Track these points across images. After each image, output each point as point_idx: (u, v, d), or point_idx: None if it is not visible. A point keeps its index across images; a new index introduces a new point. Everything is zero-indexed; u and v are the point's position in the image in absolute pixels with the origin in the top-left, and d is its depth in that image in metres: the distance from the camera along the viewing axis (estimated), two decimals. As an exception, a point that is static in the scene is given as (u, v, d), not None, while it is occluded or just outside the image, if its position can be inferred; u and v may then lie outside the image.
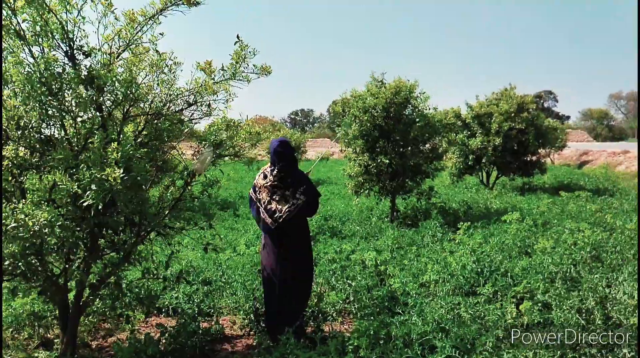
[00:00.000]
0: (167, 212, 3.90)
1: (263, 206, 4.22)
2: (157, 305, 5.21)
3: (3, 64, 3.19)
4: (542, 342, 3.06)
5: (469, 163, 14.17)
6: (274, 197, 4.17)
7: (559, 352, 3.17)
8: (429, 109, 9.09)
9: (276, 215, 4.11)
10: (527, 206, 9.94)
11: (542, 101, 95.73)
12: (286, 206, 4.09)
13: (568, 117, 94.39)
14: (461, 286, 4.78)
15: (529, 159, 14.39)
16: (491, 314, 3.65)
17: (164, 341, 3.90)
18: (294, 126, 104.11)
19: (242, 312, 4.76)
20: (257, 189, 4.35)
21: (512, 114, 13.53)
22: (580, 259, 5.80)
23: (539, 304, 4.25)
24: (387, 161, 8.93)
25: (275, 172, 4.23)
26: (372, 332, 3.12)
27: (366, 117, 8.87)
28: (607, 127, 68.29)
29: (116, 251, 3.78)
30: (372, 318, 3.65)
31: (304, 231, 4.31)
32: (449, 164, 14.74)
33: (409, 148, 9.19)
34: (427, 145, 9.49)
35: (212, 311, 4.94)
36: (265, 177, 4.32)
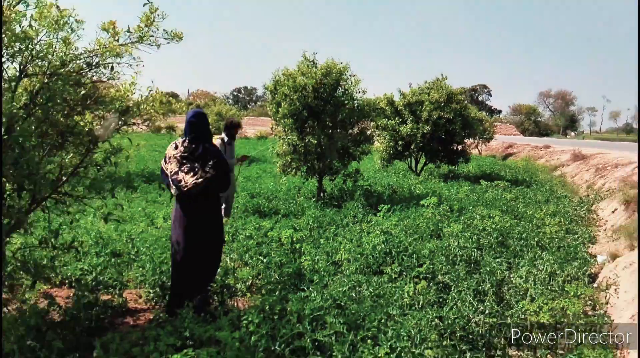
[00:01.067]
0: (65, 179, 3.71)
1: (170, 176, 4.11)
2: (59, 276, 5.00)
3: None
4: (430, 320, 3.17)
5: (399, 149, 14.47)
6: (182, 168, 4.07)
7: (449, 330, 3.31)
8: (359, 92, 9.16)
9: (181, 184, 4.02)
10: (447, 193, 10.29)
11: (476, 94, 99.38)
12: (193, 178, 3.99)
13: (500, 111, 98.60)
14: (370, 265, 4.89)
15: (455, 148, 14.89)
16: (389, 293, 3.75)
17: (53, 312, 3.72)
18: (237, 103, 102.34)
19: (147, 285, 4.64)
20: (167, 159, 4.23)
21: (442, 104, 13.91)
22: (487, 244, 6.08)
23: (440, 284, 4.43)
24: (315, 141, 8.94)
25: (186, 143, 4.13)
26: (267, 308, 3.12)
27: (296, 97, 8.81)
28: (534, 122, 71.93)
29: (9, 217, 3.55)
30: (275, 294, 3.66)
31: (214, 206, 4.24)
32: (380, 149, 15.03)
33: (338, 130, 9.23)
34: (356, 128, 9.57)
35: (117, 283, 4.78)
36: (176, 147, 4.21)
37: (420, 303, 3.64)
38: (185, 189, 4.02)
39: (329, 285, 4.11)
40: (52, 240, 3.50)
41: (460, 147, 15.12)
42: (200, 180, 4.00)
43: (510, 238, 6.42)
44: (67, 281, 5.00)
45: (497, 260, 5.25)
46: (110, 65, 3.38)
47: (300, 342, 2.82)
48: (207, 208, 4.17)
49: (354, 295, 3.94)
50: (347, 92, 9.11)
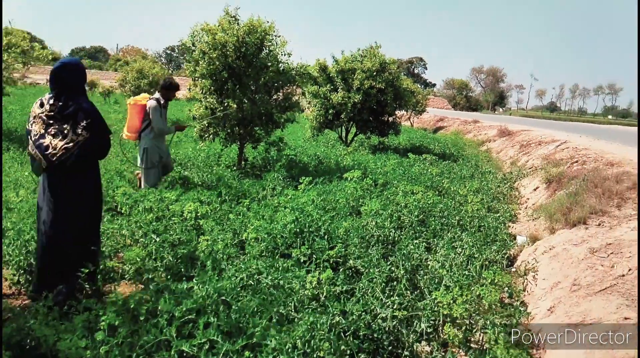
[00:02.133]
0: None
1: (33, 140, 3.39)
2: None
3: None
4: (329, 319, 2.73)
5: (329, 118, 14.00)
6: (49, 130, 3.35)
7: (352, 327, 2.89)
8: (285, 55, 8.50)
9: (48, 152, 3.32)
10: (373, 166, 9.97)
11: (412, 67, 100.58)
12: (62, 143, 3.29)
13: (434, 85, 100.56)
14: (278, 246, 4.40)
15: (386, 119, 14.61)
16: (289, 283, 3.28)
17: None
18: (170, 62, 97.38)
19: (11, 267, 3.92)
20: (31, 119, 3.49)
21: (374, 73, 13.50)
22: (407, 222, 5.76)
23: (351, 270, 4.03)
24: (235, 105, 8.26)
25: (52, 100, 3.40)
26: (132, 305, 2.56)
27: (215, 55, 8.03)
28: (466, 97, 73.83)
29: None
30: (151, 284, 3.08)
31: (90, 175, 3.56)
32: (310, 117, 14.50)
33: (260, 94, 8.58)
34: (280, 93, 8.95)
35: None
36: (42, 105, 3.46)
37: (324, 295, 3.20)
38: (54, 159, 3.32)
39: (224, 272, 3.58)
40: None
41: (391, 118, 14.85)
42: (71, 144, 3.30)
43: (432, 216, 6.15)
44: None
45: (416, 241, 4.92)
46: None
47: (164, 353, 2.29)
48: (82, 180, 3.48)
49: (252, 283, 3.44)
50: (271, 53, 8.43)
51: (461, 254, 4.72)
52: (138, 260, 4.10)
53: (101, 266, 3.80)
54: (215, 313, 2.64)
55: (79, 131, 3.32)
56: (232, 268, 3.59)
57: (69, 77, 3.40)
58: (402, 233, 5.29)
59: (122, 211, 5.64)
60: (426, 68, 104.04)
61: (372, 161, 10.82)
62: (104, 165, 8.16)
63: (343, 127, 15.06)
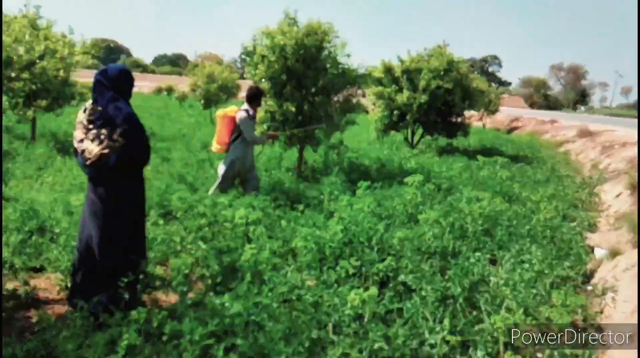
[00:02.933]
0: None
1: (76, 144, 3.40)
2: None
3: None
4: (371, 345, 2.46)
5: (394, 119, 13.61)
6: (88, 135, 3.33)
7: (396, 355, 2.61)
8: (344, 56, 8.28)
9: (85, 156, 3.31)
10: (437, 169, 9.51)
11: (486, 65, 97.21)
12: (99, 148, 3.26)
13: (509, 84, 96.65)
14: (326, 257, 4.18)
15: (454, 120, 14.02)
16: (331, 301, 3.04)
17: None
18: (243, 67, 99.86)
19: (58, 271, 3.96)
20: (76, 124, 3.50)
21: (441, 73, 12.98)
22: (471, 232, 5.36)
23: (400, 287, 3.72)
24: (294, 108, 8.13)
25: (92, 105, 3.39)
26: (155, 325, 2.43)
27: (274, 58, 7.96)
28: (544, 96, 70.25)
29: None
30: (185, 297, 2.95)
31: (130, 182, 3.50)
32: (375, 119, 14.18)
33: (320, 97, 8.40)
34: (341, 95, 8.73)
35: (26, 267, 4.10)
36: (85, 111, 3.46)
37: (367, 316, 2.93)
38: (89, 162, 3.30)
39: (265, 285, 3.40)
40: None
41: (459, 119, 14.23)
42: (107, 150, 3.26)
43: (498, 226, 5.69)
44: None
45: (478, 254, 4.52)
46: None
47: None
48: (121, 187, 3.43)
49: (293, 298, 3.24)
50: (331, 55, 8.24)
51: (529, 270, 4.28)
52: (183, 268, 4.02)
53: (145, 275, 3.73)
54: (244, 335, 2.46)
55: (115, 136, 3.28)
56: (274, 280, 3.41)
57: (109, 83, 3.37)
58: (463, 244, 4.91)
59: (178, 216, 5.64)
60: (501, 66, 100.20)
61: (437, 164, 10.35)
62: (168, 169, 8.32)
63: (409, 129, 14.61)
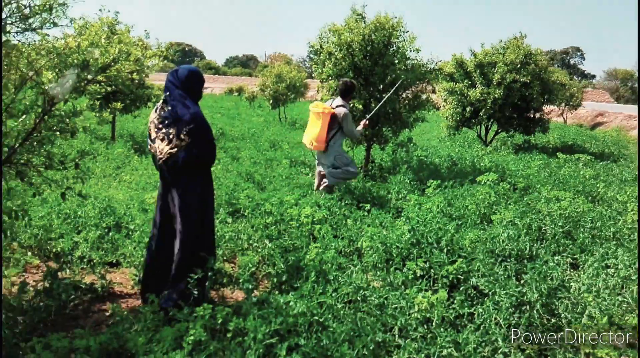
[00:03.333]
0: (16, 146, 3.16)
1: (149, 143, 3.51)
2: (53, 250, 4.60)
3: None
4: (439, 350, 2.32)
5: (466, 115, 13.14)
6: (158, 134, 3.42)
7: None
8: (413, 51, 8.05)
9: (155, 155, 3.42)
10: (514, 167, 9.05)
11: (568, 58, 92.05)
12: (167, 147, 3.33)
13: (593, 77, 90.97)
14: (393, 258, 4.05)
15: (531, 115, 13.32)
16: (397, 302, 2.92)
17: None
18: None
19: (132, 266, 4.11)
20: (149, 125, 3.61)
21: (518, 66, 12.36)
22: (550, 234, 5.02)
23: (471, 290, 3.53)
24: (361, 106, 8.02)
25: (162, 105, 3.48)
26: (220, 321, 2.43)
27: (341, 55, 7.89)
28: (631, 89, 65.45)
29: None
30: (250, 295, 2.94)
31: (199, 181, 3.55)
32: (446, 115, 13.76)
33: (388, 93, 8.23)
34: (409, 91, 8.51)
35: (103, 262, 4.29)
36: (156, 111, 3.56)
37: (435, 321, 2.79)
38: (159, 161, 3.40)
39: (330, 284, 3.33)
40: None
41: (537, 114, 13.50)
42: (175, 149, 3.32)
43: (580, 228, 5.30)
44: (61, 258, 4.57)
45: (557, 257, 4.22)
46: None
47: (241, 379, 2.11)
48: (189, 186, 3.49)
49: (358, 299, 3.14)
50: (399, 50, 8.05)
51: (614, 275, 3.93)
52: (250, 265, 4.05)
53: (214, 271, 3.78)
54: (308, 335, 2.41)
55: (182, 136, 3.33)
56: (339, 280, 3.34)
57: (179, 83, 3.44)
58: (541, 246, 4.60)
59: (245, 214, 5.71)
60: (584, 58, 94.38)
61: (513, 162, 9.86)
62: (237, 168, 8.48)
63: (482, 126, 14.06)
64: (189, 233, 3.44)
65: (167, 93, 3.42)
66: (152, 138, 3.48)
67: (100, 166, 8.21)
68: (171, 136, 3.33)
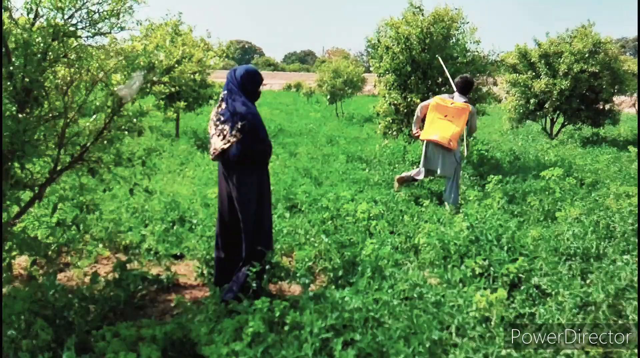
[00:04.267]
0: (88, 144, 3.37)
1: (210, 139, 3.68)
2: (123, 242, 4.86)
3: None
4: (497, 351, 2.29)
5: (530, 108, 12.66)
6: (215, 131, 3.56)
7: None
8: (473, 43, 7.88)
9: (211, 151, 3.57)
10: (581, 162, 8.65)
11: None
12: (222, 143, 3.46)
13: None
14: (450, 255, 4.00)
15: (600, 107, 12.66)
16: (454, 301, 2.88)
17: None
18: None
19: (196, 259, 4.28)
20: (209, 122, 3.77)
21: (586, 55, 11.76)
22: (618, 232, 4.78)
23: (533, 290, 3.43)
24: (419, 100, 7.92)
25: (220, 103, 3.62)
26: (277, 315, 2.50)
27: (398, 49, 7.82)
28: None
29: (28, 187, 3.33)
30: (307, 290, 3.00)
31: (254, 177, 3.64)
32: (508, 108, 13.32)
33: (447, 87, 8.08)
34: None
35: (169, 254, 4.49)
36: (216, 108, 3.70)
37: (494, 320, 2.74)
38: (212, 156, 3.55)
39: (386, 281, 3.34)
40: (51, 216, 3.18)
41: (607, 106, 12.81)
42: (227, 145, 3.45)
43: (654, 226, 5.00)
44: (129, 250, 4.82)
45: (626, 256, 4.02)
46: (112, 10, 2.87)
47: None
48: (245, 181, 3.59)
49: (415, 295, 3.13)
50: (459, 42, 7.88)
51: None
52: (307, 260, 4.11)
53: (272, 265, 3.87)
54: (363, 330, 2.44)
55: (234, 132, 3.44)
56: (395, 277, 3.34)
57: (235, 81, 3.55)
58: (610, 245, 4.39)
59: (302, 209, 5.79)
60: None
61: (580, 157, 9.42)
62: (294, 163, 8.61)
63: (547, 118, 13.50)
64: (247, 226, 3.56)
65: (226, 91, 3.54)
66: (211, 134, 3.62)
67: (165, 162, 8.57)
68: (225, 133, 3.46)
